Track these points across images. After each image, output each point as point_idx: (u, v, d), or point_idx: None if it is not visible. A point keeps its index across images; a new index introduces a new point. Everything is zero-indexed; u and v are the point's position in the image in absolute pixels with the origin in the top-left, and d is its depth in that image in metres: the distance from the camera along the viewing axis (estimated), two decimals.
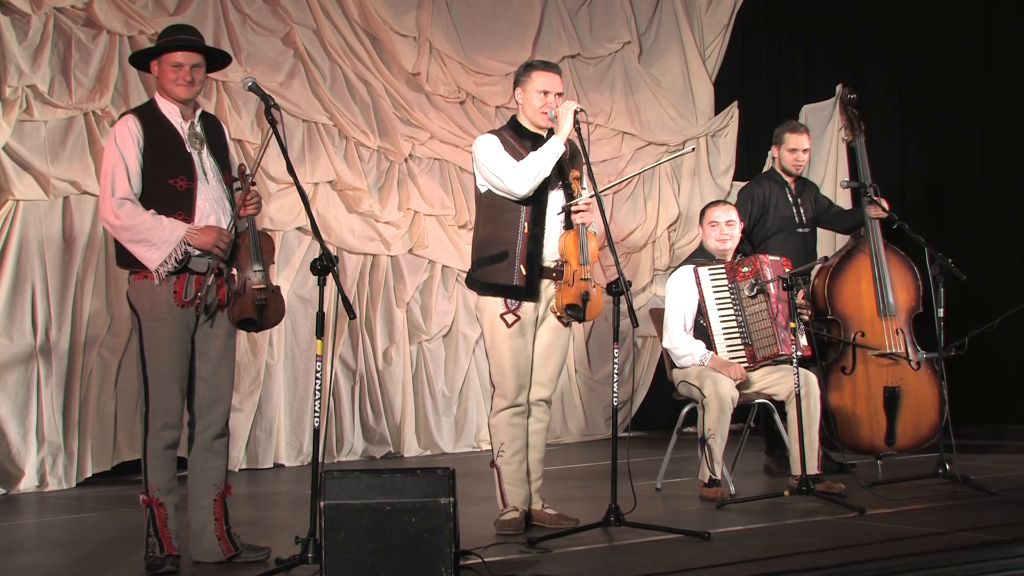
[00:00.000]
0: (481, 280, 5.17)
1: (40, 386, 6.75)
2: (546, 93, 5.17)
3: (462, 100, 8.62)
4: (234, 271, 4.53)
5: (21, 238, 6.77)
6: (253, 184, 4.58)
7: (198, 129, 4.61)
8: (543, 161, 5.06)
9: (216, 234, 4.47)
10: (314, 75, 7.96)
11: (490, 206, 5.17)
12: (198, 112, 4.66)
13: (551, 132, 5.17)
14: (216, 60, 4.76)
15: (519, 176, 5.04)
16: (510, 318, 5.11)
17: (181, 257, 4.43)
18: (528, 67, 5.28)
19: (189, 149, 4.55)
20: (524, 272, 5.10)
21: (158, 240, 4.40)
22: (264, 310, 4.52)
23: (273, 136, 4.51)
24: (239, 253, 4.53)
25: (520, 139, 5.20)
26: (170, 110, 4.58)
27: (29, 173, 6.78)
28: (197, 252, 4.46)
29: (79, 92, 6.94)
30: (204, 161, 4.57)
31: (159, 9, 7.27)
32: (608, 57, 9.27)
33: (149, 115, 4.57)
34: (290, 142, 7.65)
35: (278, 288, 4.66)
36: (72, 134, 6.95)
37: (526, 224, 5.11)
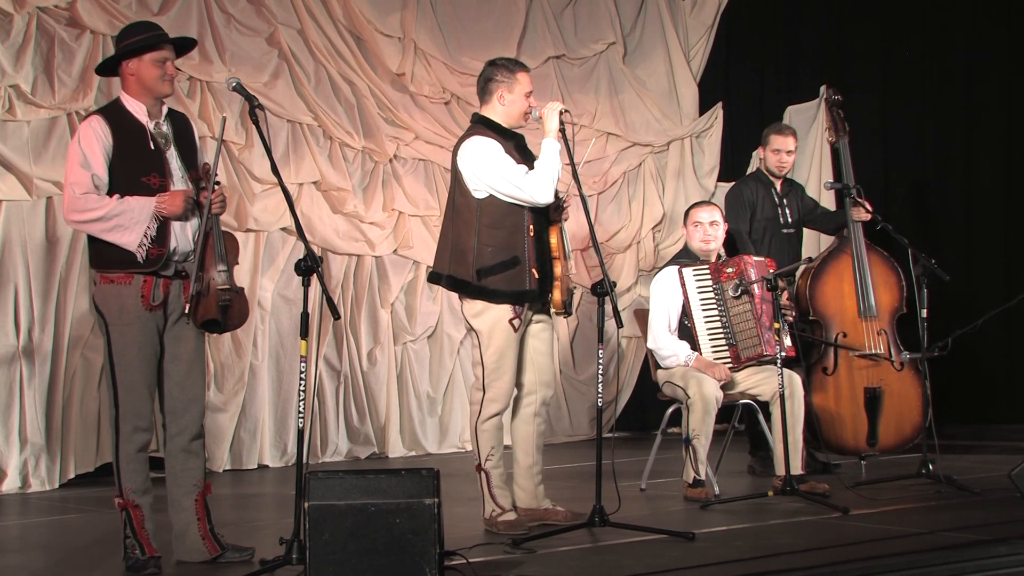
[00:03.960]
0: (491, 288, 5.05)
1: (23, 387, 6.72)
2: (529, 94, 5.21)
3: (447, 101, 8.61)
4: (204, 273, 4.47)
5: (4, 239, 6.74)
6: (218, 183, 4.54)
7: (164, 128, 4.57)
8: (556, 165, 5.07)
9: (183, 197, 4.44)
10: (298, 75, 7.94)
11: (491, 212, 5.07)
12: (164, 110, 4.62)
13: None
14: (182, 49, 4.74)
15: (540, 186, 5.01)
16: (516, 322, 5.10)
17: (154, 233, 4.39)
18: (512, 68, 5.24)
19: (155, 148, 4.51)
20: (537, 275, 5.08)
21: (129, 223, 4.37)
22: (228, 311, 4.48)
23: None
24: (204, 254, 4.47)
25: (507, 140, 5.17)
26: (137, 109, 4.53)
27: (12, 173, 6.75)
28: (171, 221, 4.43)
29: (62, 92, 6.91)
30: (171, 160, 4.54)
31: (143, 9, 7.23)
32: (593, 58, 9.27)
33: (115, 115, 4.52)
34: (274, 143, 7.62)
35: (242, 289, 4.62)
36: (55, 134, 6.91)
37: (531, 227, 5.10)
